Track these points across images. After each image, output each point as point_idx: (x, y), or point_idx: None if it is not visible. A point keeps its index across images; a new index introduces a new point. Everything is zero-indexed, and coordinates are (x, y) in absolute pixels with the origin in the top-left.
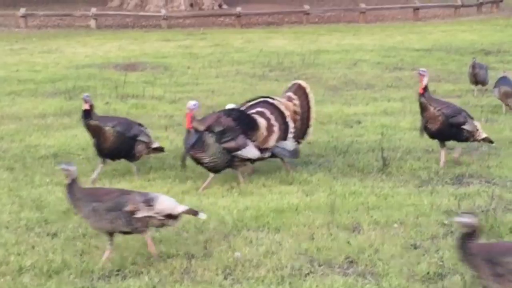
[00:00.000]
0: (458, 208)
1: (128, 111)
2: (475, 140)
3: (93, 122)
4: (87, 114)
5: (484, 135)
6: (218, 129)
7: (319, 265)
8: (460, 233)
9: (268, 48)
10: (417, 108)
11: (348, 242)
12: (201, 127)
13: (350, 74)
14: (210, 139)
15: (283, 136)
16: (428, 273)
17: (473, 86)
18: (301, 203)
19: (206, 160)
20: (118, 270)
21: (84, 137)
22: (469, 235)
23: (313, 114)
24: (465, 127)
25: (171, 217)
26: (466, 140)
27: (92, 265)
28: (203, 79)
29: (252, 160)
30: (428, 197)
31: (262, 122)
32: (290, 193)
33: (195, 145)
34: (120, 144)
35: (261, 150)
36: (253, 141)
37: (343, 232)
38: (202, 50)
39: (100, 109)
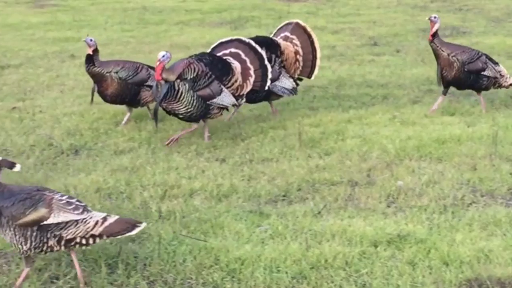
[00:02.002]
0: None
1: None
2: (501, 86)
3: (95, 69)
4: (90, 59)
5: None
6: (190, 76)
7: (482, 196)
8: None
9: None
10: None
11: (511, 174)
12: (172, 77)
13: None
14: (183, 87)
15: (261, 80)
16: None
17: None
18: (463, 133)
19: (182, 110)
20: (284, 196)
21: None
22: None
23: (319, 54)
24: (486, 73)
25: None
26: (487, 88)
27: (259, 190)
28: (364, 9)
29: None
30: None
31: (236, 66)
32: (452, 124)
33: (167, 96)
34: (123, 91)
35: (237, 97)
36: (229, 87)
37: (506, 163)
38: None
39: None
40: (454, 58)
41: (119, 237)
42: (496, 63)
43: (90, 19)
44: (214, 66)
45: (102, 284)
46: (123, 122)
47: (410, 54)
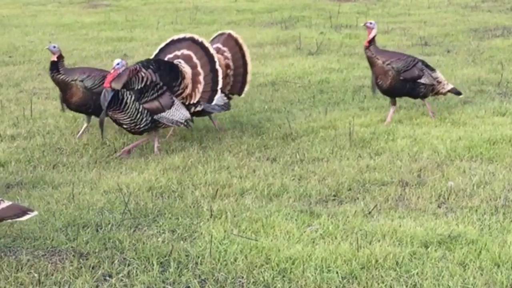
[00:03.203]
0: None
1: (342, 41)
2: (438, 93)
3: (59, 77)
4: (54, 66)
5: (449, 87)
6: (138, 86)
7: None
8: None
9: None
10: None
11: None
12: (118, 85)
13: None
14: (127, 97)
15: (211, 87)
16: None
17: None
18: None
19: (126, 121)
20: (334, 195)
21: (300, 66)
22: None
23: (250, 68)
24: (422, 81)
25: None
26: (425, 95)
27: (309, 190)
28: (415, 9)
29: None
30: None
31: (187, 70)
32: (503, 124)
33: (111, 104)
34: (88, 100)
35: (188, 106)
36: (179, 94)
37: None
38: None
39: (315, 39)
40: (389, 66)
41: (9, 221)
42: (432, 70)
43: (142, 19)
44: (163, 71)
45: (155, 282)
46: (79, 134)
47: (461, 54)
